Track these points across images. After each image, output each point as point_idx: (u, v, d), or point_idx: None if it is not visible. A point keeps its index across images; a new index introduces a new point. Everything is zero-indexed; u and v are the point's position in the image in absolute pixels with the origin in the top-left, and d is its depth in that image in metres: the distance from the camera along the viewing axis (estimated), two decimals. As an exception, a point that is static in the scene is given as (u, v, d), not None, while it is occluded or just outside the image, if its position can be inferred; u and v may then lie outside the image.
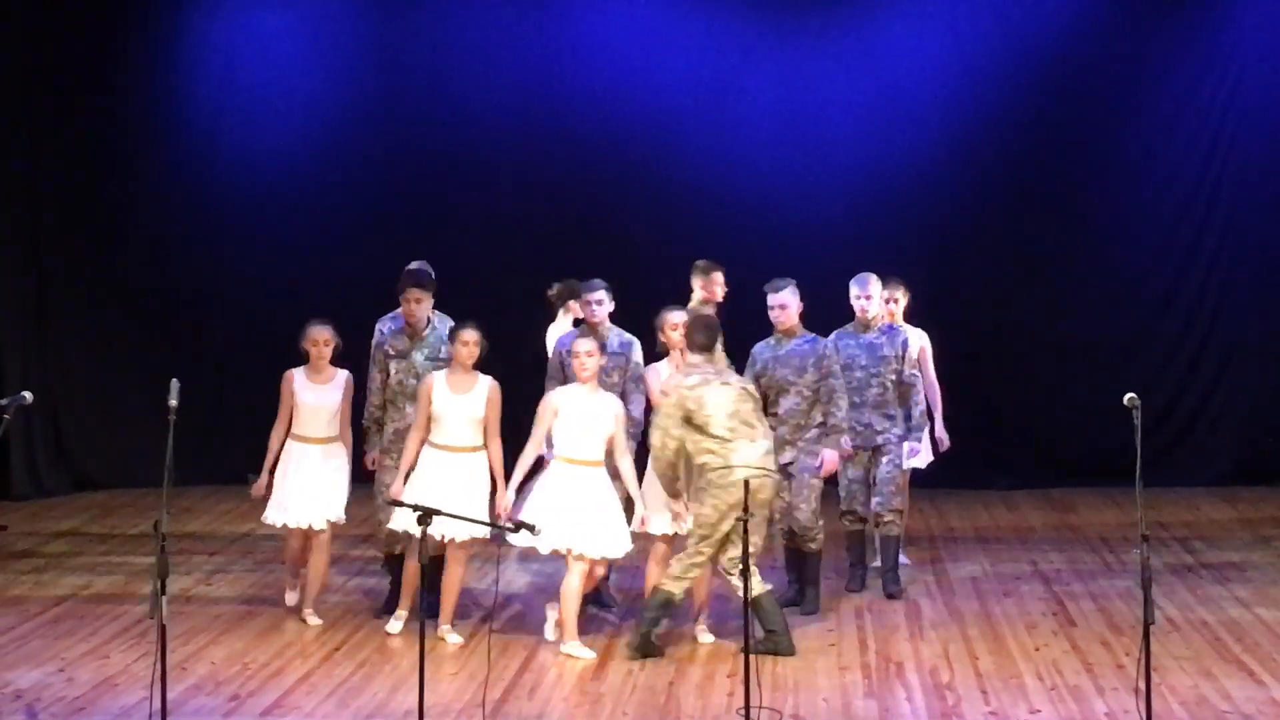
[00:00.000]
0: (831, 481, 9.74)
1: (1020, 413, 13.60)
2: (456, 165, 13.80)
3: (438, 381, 8.88)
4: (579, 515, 8.57)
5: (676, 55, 13.77)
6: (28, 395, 7.50)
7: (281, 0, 13.93)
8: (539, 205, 13.75)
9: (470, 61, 13.80)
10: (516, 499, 8.77)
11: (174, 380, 7.18)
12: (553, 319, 10.42)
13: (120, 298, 13.90)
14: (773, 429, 9.18)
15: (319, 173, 13.88)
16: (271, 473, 9.36)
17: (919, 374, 9.97)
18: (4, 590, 10.18)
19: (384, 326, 9.69)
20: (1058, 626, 9.16)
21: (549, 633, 8.93)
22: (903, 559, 10.45)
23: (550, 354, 9.82)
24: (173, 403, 7.12)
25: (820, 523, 9.46)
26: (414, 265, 9.98)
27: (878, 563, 10.08)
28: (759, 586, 8.40)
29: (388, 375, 9.48)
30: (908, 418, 9.87)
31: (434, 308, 9.55)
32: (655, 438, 8.63)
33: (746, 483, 7.98)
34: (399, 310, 9.53)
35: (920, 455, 10.29)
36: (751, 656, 7.43)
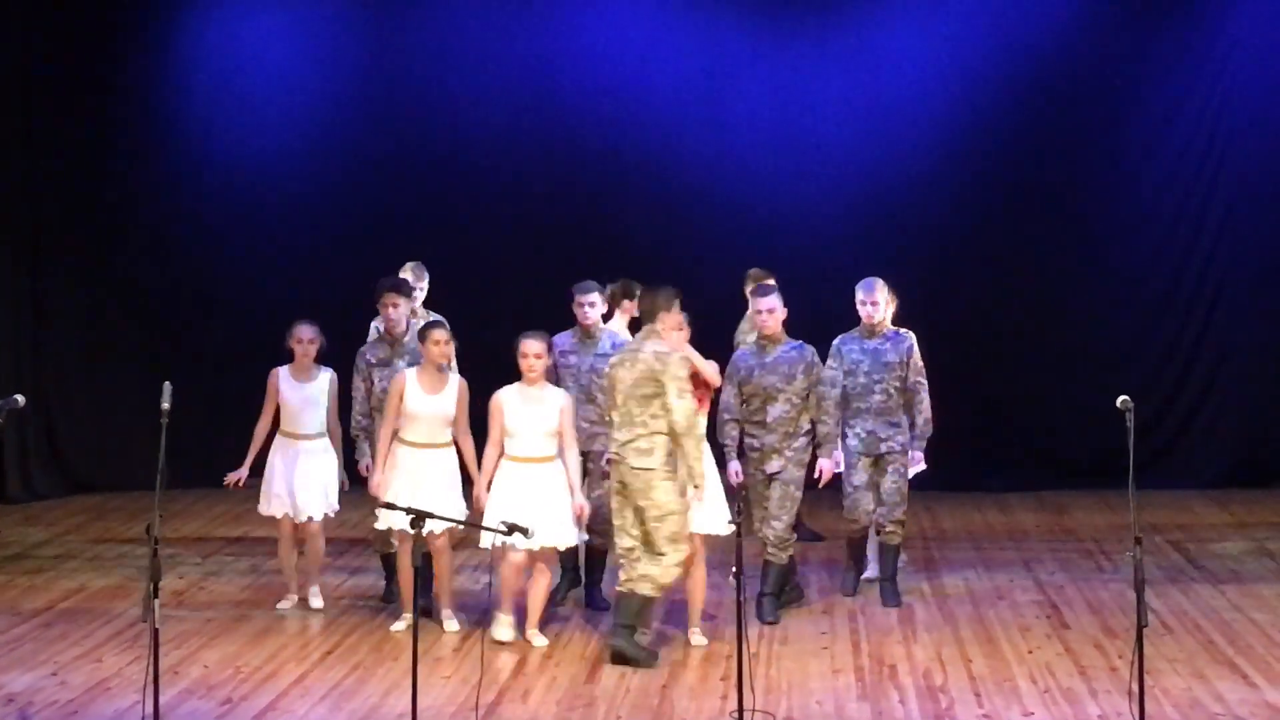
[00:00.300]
0: (834, 487, 9.72)
1: (1014, 415, 13.60)
2: (452, 167, 13.80)
3: (410, 380, 9.05)
4: (526, 511, 8.57)
5: (672, 58, 13.77)
6: (20, 398, 7.50)
7: (278, 3, 13.92)
8: (535, 208, 13.76)
9: (465, 63, 13.81)
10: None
11: (166, 383, 7.19)
12: (609, 317, 10.48)
13: (115, 300, 13.91)
14: (758, 437, 9.17)
15: (315, 176, 13.88)
16: (252, 465, 9.72)
17: (923, 381, 9.78)
18: (-3, 593, 10.19)
19: (372, 333, 10.00)
20: (1051, 629, 9.16)
21: (502, 634, 8.93)
22: (900, 558, 10.51)
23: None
24: (165, 406, 7.12)
25: (794, 536, 9.47)
26: (407, 268, 10.19)
27: (869, 573, 10.03)
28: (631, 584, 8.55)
29: (371, 384, 9.62)
30: (912, 425, 9.73)
31: (429, 309, 9.63)
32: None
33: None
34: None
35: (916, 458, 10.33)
36: (746, 660, 7.41)
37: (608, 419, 8.85)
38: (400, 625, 9.17)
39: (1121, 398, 7.13)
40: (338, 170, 13.88)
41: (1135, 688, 6.97)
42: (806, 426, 9.32)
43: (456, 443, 9.14)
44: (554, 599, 9.41)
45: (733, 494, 8.86)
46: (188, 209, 13.94)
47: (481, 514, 8.76)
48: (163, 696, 7.19)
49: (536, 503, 8.76)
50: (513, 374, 9.08)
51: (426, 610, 9.07)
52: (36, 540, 11.94)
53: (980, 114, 13.56)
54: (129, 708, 7.77)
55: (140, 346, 13.78)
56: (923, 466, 10.51)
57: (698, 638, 8.92)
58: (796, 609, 9.58)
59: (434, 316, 9.94)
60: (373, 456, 9.38)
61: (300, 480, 9.60)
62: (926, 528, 11.98)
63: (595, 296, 9.54)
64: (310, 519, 9.66)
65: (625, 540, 8.64)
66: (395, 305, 9.57)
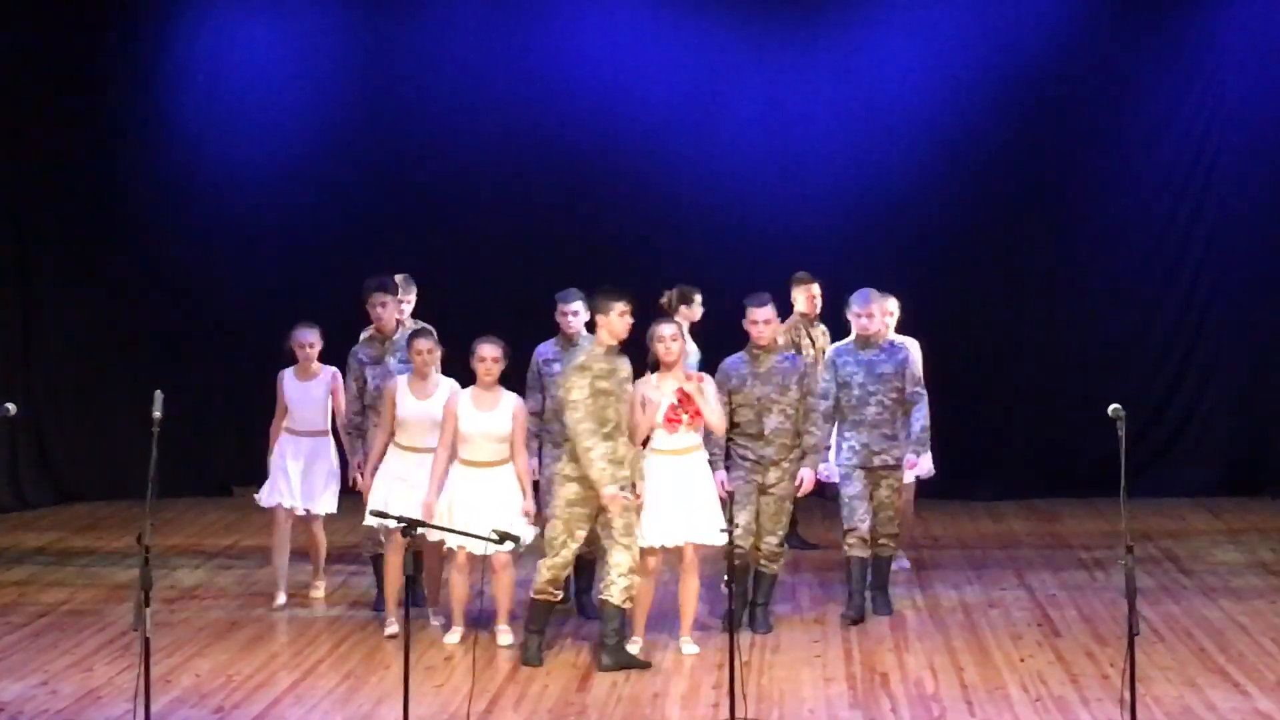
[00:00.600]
0: (829, 497, 9.70)
1: (1005, 423, 13.62)
2: (442, 176, 13.80)
3: (401, 386, 9.30)
4: (478, 515, 8.73)
5: (662, 67, 13.78)
6: (11, 407, 7.52)
7: (269, 11, 13.91)
8: (525, 216, 13.76)
9: (456, 73, 13.81)
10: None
11: (157, 392, 7.17)
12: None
13: (105, 309, 13.88)
14: (754, 449, 9.08)
15: (305, 185, 13.87)
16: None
17: (922, 391, 9.66)
18: (-13, 602, 10.18)
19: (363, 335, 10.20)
20: (1042, 637, 9.16)
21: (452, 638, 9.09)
22: (903, 562, 10.56)
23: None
24: (156, 414, 7.11)
25: (785, 547, 9.45)
26: (397, 279, 10.32)
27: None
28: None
29: (364, 383, 9.80)
30: (909, 436, 9.57)
31: (417, 317, 9.98)
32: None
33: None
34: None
35: (922, 466, 10.33)
36: (737, 668, 7.41)
37: None
38: (392, 629, 9.22)
39: (1113, 406, 7.13)
40: (329, 178, 13.87)
41: (1127, 696, 6.97)
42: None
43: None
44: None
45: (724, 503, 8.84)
46: (179, 218, 13.92)
47: (431, 517, 8.82)
48: (154, 705, 7.17)
49: (489, 506, 8.84)
50: (506, 381, 9.16)
51: (416, 599, 9.35)
52: (27, 549, 11.91)
53: (970, 122, 13.57)
54: (120, 717, 7.75)
55: (131, 355, 13.75)
56: (932, 471, 10.57)
57: (689, 646, 8.91)
58: (789, 618, 9.57)
59: (420, 325, 10.04)
60: (365, 457, 9.55)
61: (305, 474, 9.92)
62: (918, 535, 11.96)
63: (578, 305, 9.58)
64: (308, 511, 9.95)
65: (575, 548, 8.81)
66: (383, 304, 9.82)
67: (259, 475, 10.93)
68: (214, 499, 13.71)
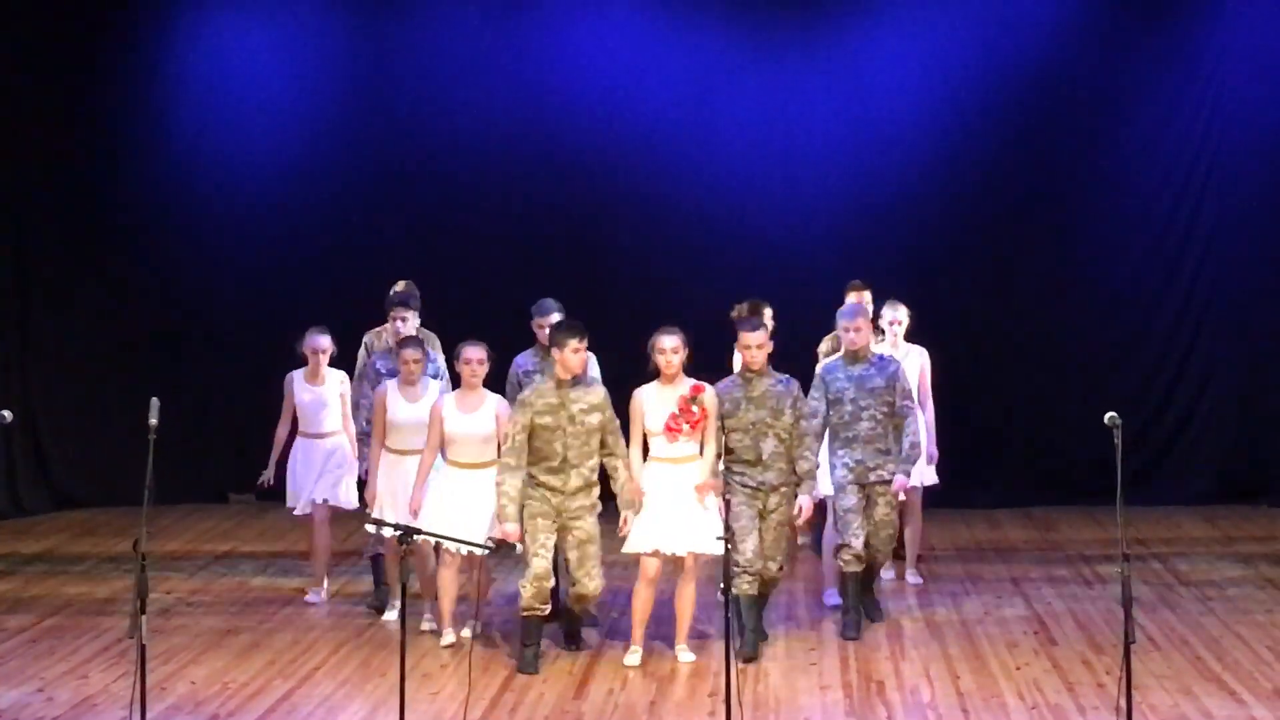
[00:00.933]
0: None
1: (1001, 430, 13.61)
2: (440, 179, 13.80)
3: (391, 391, 9.54)
4: (462, 515, 8.92)
5: (659, 70, 13.77)
6: (7, 414, 7.53)
7: (268, 13, 13.91)
8: (523, 219, 13.75)
9: (454, 76, 13.80)
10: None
11: (154, 399, 7.17)
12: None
13: (102, 315, 13.87)
14: (753, 475, 8.98)
15: (303, 190, 13.87)
16: (277, 465, 10.40)
17: (912, 404, 9.58)
18: (-17, 609, 10.17)
19: (369, 340, 10.49)
20: (1039, 645, 9.16)
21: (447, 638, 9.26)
22: (915, 578, 10.61)
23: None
24: (153, 421, 7.11)
25: (784, 570, 9.39)
26: (400, 286, 10.50)
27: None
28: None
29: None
30: (900, 452, 9.47)
31: (420, 324, 10.21)
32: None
33: None
34: (384, 326, 10.27)
35: (927, 475, 10.32)
36: (734, 676, 7.41)
37: None
38: (391, 615, 9.55)
39: (1109, 414, 7.13)
40: (324, 186, 13.86)
41: (1123, 704, 6.97)
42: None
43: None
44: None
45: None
46: (176, 224, 13.92)
47: (415, 515, 9.03)
48: (150, 713, 7.17)
49: (478, 506, 8.97)
50: (487, 387, 9.30)
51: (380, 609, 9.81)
52: (23, 556, 11.90)
53: (968, 126, 13.56)
54: (115, 724, 7.76)
55: (128, 362, 13.74)
56: (934, 480, 10.56)
57: (685, 654, 8.91)
58: (785, 626, 9.57)
59: (418, 333, 10.17)
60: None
61: (323, 472, 10.20)
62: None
63: (556, 316, 9.64)
64: (325, 501, 10.22)
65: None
66: (404, 319, 10.08)
67: (255, 483, 10.99)
68: (210, 506, 13.70)
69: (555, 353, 8.85)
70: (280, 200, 13.88)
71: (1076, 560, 11.42)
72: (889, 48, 13.65)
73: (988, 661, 8.83)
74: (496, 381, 9.66)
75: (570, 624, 9.24)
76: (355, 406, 10.26)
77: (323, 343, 10.19)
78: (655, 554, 8.83)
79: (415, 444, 9.40)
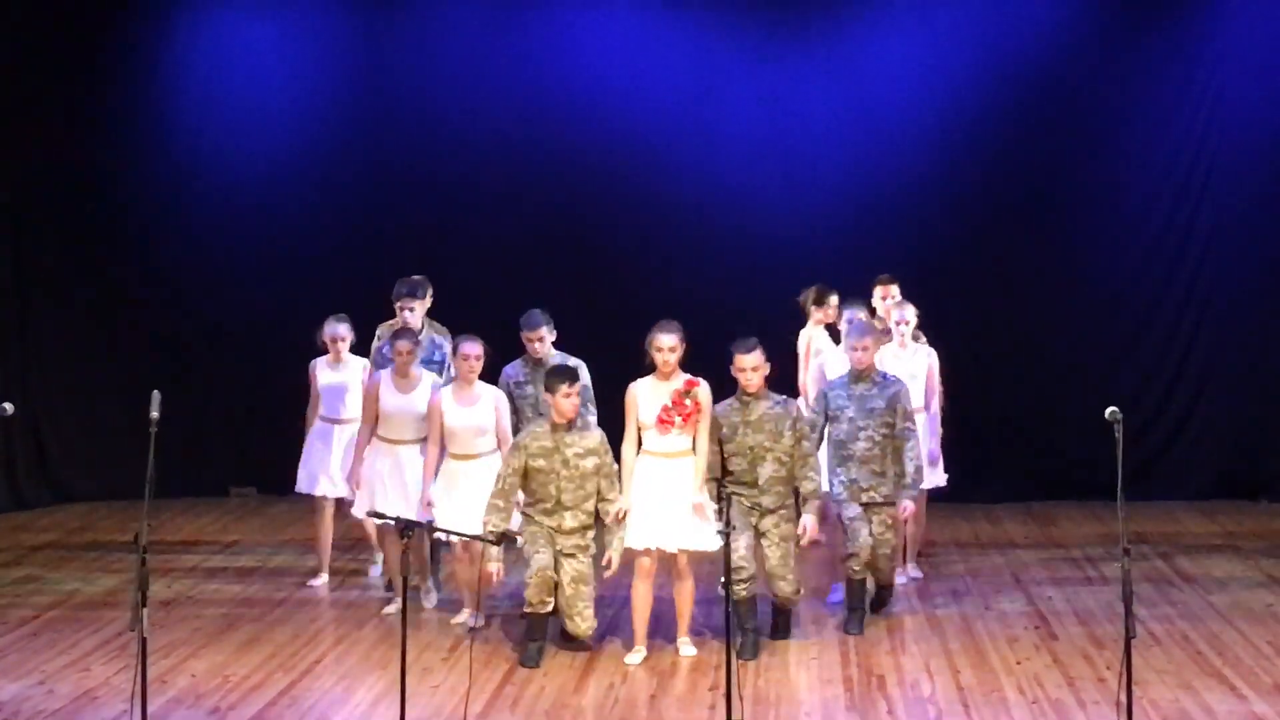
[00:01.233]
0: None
1: (1002, 426, 13.59)
2: (441, 176, 13.79)
3: (384, 381, 9.70)
4: (464, 504, 9.08)
5: (661, 67, 13.76)
6: (9, 406, 7.53)
7: (267, 11, 13.90)
8: (524, 217, 13.74)
9: (455, 73, 13.80)
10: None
11: (155, 392, 7.17)
12: (804, 322, 11.01)
13: (103, 309, 13.88)
14: (750, 498, 8.96)
15: (303, 186, 13.87)
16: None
17: (913, 427, 9.50)
18: (-16, 602, 10.17)
19: (382, 331, 10.63)
20: (1039, 640, 9.17)
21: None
22: (915, 572, 10.61)
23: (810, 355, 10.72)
24: (154, 414, 7.11)
25: (800, 591, 9.24)
26: (415, 278, 10.61)
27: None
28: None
29: None
30: (900, 475, 9.42)
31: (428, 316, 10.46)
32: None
33: None
34: (395, 319, 10.43)
35: (934, 476, 10.34)
36: (734, 670, 7.40)
37: None
38: (392, 608, 9.55)
39: (1110, 409, 7.13)
40: (324, 182, 13.86)
41: (1123, 699, 6.97)
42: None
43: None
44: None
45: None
46: (177, 217, 13.92)
47: (429, 510, 9.22)
48: (150, 706, 7.17)
49: (479, 497, 9.02)
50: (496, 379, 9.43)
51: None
52: (24, 549, 11.91)
53: (969, 124, 13.55)
54: (116, 717, 7.75)
55: (128, 355, 13.75)
56: (942, 482, 10.55)
57: (687, 648, 8.92)
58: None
59: (415, 324, 10.30)
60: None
61: (344, 462, 10.27)
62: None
63: (544, 330, 9.73)
64: (324, 496, 10.44)
65: None
66: (411, 309, 10.26)
67: (256, 476, 11.04)
68: (211, 500, 13.71)
69: (547, 397, 8.91)
70: (281, 196, 13.87)
71: (1077, 556, 11.43)
72: (890, 47, 13.65)
73: (988, 656, 8.84)
74: (492, 376, 9.73)
75: None
76: None
77: (341, 330, 10.44)
78: (646, 552, 8.85)
79: (405, 434, 9.60)
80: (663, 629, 9.15)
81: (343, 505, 10.40)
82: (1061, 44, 13.50)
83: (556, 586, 8.90)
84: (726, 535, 7.63)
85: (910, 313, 10.54)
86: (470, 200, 13.79)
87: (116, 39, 13.76)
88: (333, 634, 9.41)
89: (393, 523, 7.49)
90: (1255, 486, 13.47)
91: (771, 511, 9.00)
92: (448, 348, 10.30)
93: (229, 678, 8.51)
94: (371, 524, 10.22)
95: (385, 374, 9.74)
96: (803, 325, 11.12)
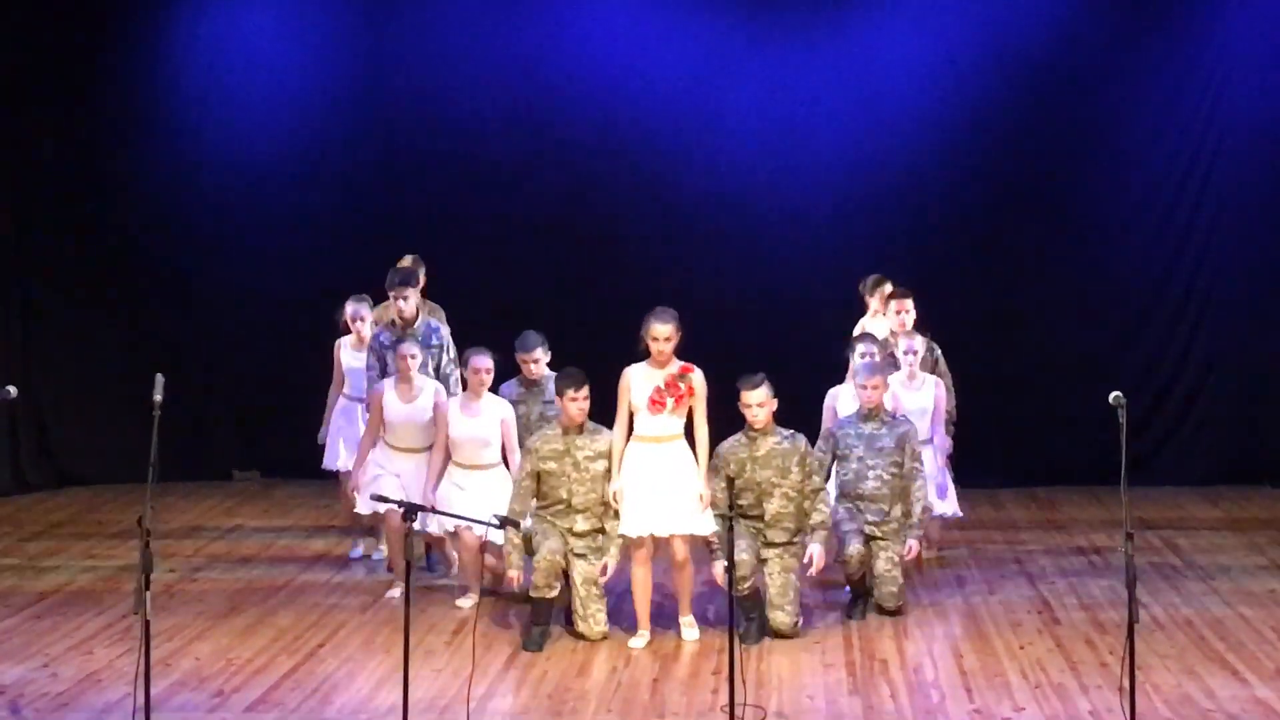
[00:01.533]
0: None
1: (1006, 412, 13.57)
2: (441, 165, 13.77)
3: (387, 390, 9.68)
4: (470, 511, 8.96)
5: (663, 57, 13.73)
6: (12, 390, 7.52)
7: (269, 2, 13.89)
8: (527, 207, 13.71)
9: (456, 61, 13.76)
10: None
11: (158, 375, 7.18)
12: (863, 313, 11.04)
13: (105, 293, 13.86)
14: (752, 525, 8.95)
15: (303, 172, 13.85)
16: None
17: (920, 467, 9.49)
18: (-13, 585, 10.18)
19: (376, 315, 10.66)
20: (1042, 624, 9.17)
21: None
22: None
23: None
24: (157, 398, 7.11)
25: (799, 622, 9.11)
26: (405, 261, 10.71)
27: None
28: None
29: (386, 365, 10.07)
30: (906, 514, 9.41)
31: (426, 298, 10.52)
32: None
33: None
34: (389, 302, 10.36)
35: (947, 506, 10.31)
36: (737, 654, 7.41)
37: None
38: (394, 592, 9.67)
39: (1114, 394, 7.13)
40: (325, 169, 13.84)
41: (1126, 683, 6.98)
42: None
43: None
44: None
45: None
46: (177, 203, 13.89)
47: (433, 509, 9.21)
48: (154, 689, 7.17)
49: (485, 504, 8.98)
50: (500, 377, 9.47)
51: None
52: (27, 532, 11.92)
53: (972, 114, 13.51)
54: (120, 700, 7.77)
55: (129, 340, 13.73)
56: (955, 511, 10.50)
57: (689, 631, 8.92)
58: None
59: (410, 312, 10.20)
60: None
61: (352, 438, 10.48)
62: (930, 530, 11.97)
63: (539, 353, 9.74)
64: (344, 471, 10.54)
65: None
66: (406, 298, 10.13)
67: (260, 460, 11.04)
68: (215, 483, 13.71)
69: (557, 400, 9.05)
70: (283, 182, 13.85)
71: (1081, 541, 11.43)
72: (893, 36, 13.61)
73: (991, 641, 8.84)
74: (502, 379, 9.80)
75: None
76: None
77: (363, 310, 10.62)
78: (641, 539, 8.87)
79: (411, 442, 9.64)
80: (664, 617, 9.15)
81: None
82: (1065, 35, 13.47)
83: (566, 580, 8.91)
84: (729, 519, 7.63)
85: (919, 343, 10.38)
86: (472, 186, 13.77)
87: (118, 27, 13.72)
88: (336, 617, 9.41)
89: (396, 507, 7.49)
90: (1259, 472, 13.46)
91: (774, 545, 9.00)
92: (445, 329, 10.29)
93: (232, 661, 8.52)
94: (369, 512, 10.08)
95: (388, 383, 9.70)
96: (857, 312, 11.13)
